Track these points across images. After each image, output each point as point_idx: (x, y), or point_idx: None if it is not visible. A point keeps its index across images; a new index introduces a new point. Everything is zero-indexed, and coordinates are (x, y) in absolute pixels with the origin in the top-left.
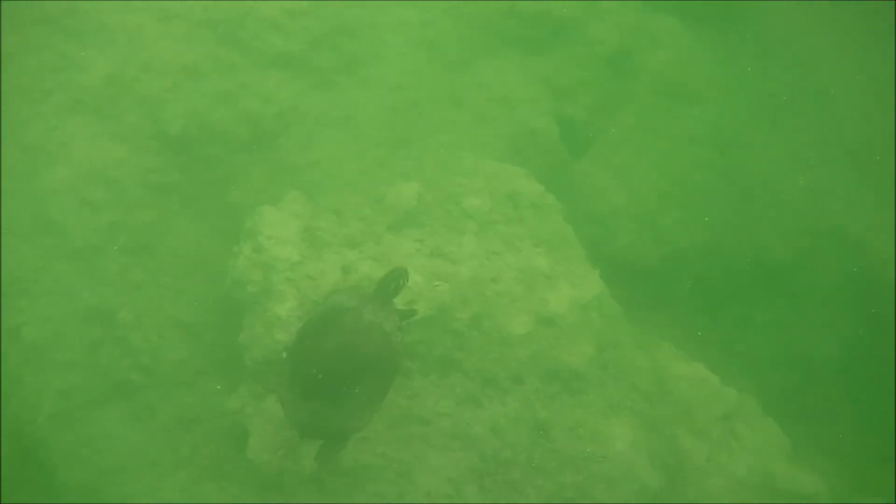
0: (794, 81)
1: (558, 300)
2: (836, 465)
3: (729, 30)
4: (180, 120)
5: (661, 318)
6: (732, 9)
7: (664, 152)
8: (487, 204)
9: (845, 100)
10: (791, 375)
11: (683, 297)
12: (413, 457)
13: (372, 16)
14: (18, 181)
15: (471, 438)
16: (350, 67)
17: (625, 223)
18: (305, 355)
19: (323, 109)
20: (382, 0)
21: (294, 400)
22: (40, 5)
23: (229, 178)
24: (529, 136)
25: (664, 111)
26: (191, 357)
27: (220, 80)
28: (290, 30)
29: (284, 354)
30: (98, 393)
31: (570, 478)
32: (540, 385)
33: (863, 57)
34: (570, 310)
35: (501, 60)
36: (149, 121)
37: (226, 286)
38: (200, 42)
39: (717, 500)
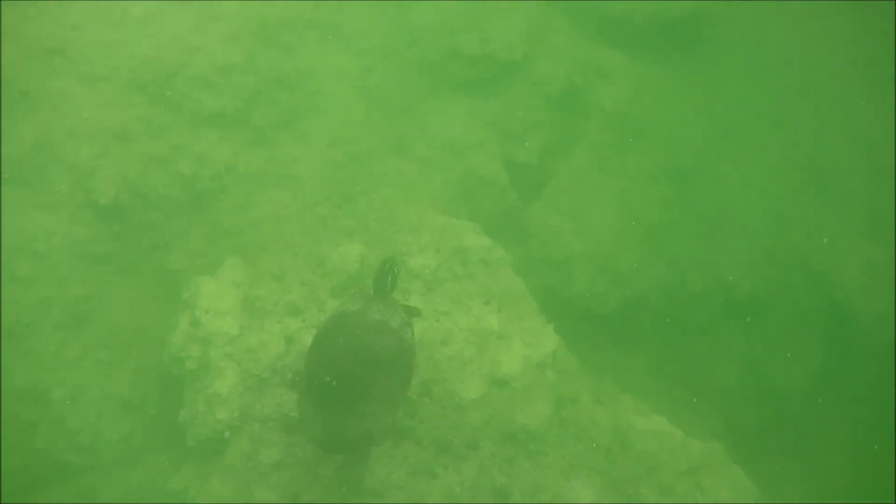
0: (750, 108)
1: (511, 361)
2: None
3: (679, 62)
4: (111, 186)
5: (622, 364)
6: (681, 40)
7: (620, 191)
8: (434, 262)
9: (805, 123)
10: (760, 411)
11: (646, 339)
12: None
13: (309, 66)
14: None
15: None
16: (288, 122)
17: (581, 268)
18: (317, 365)
19: (261, 168)
20: (320, 48)
21: (313, 412)
22: None
23: (166, 243)
24: (478, 184)
25: (618, 149)
26: (132, 435)
27: (152, 143)
28: (222, 87)
29: (290, 375)
30: (35, 477)
31: None
32: (496, 449)
33: (820, 78)
34: (523, 370)
35: (447, 105)
36: (79, 189)
37: (164, 360)
38: (129, 104)
39: None
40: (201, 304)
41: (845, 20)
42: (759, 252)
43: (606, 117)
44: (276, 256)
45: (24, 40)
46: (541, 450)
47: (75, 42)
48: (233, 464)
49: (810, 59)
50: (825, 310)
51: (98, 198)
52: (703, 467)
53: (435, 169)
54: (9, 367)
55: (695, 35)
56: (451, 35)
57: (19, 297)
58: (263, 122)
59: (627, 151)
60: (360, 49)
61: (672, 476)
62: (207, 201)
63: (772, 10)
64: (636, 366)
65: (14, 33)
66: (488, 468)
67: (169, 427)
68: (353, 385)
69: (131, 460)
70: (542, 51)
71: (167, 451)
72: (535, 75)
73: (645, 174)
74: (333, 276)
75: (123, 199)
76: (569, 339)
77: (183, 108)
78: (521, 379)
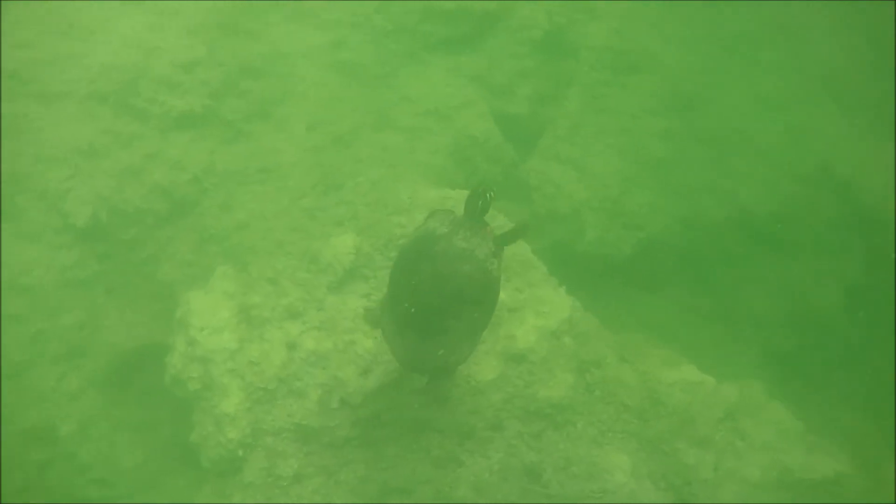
0: (755, 19)
1: (525, 334)
2: (856, 435)
3: None
4: (87, 207)
5: (647, 311)
6: None
7: (621, 130)
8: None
9: (815, 28)
10: (799, 335)
11: (669, 279)
12: None
13: (276, 49)
14: None
15: (457, 502)
16: (262, 111)
17: (590, 217)
18: (399, 290)
19: (240, 164)
20: (285, 28)
21: (394, 335)
22: None
23: (154, 257)
24: (471, 145)
25: (613, 87)
26: (147, 461)
27: (123, 156)
28: (188, 85)
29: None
30: None
31: None
32: (522, 427)
33: None
34: (539, 341)
35: (427, 68)
36: (54, 214)
37: (167, 383)
38: (93, 118)
39: None
40: (195, 322)
41: None
42: (777, 169)
43: (597, 54)
44: (267, 257)
45: None
46: (569, 420)
47: (26, 61)
48: (252, 481)
49: None
50: (853, 219)
51: (75, 220)
52: (740, 410)
53: (422, 137)
54: (11, 408)
55: None
56: None
57: (12, 335)
58: (236, 116)
59: (624, 87)
60: (328, 22)
61: (708, 425)
62: (189, 208)
63: None
64: (663, 309)
65: None
66: (516, 447)
67: (184, 449)
68: (434, 317)
69: (150, 486)
70: None
71: (185, 474)
72: (516, 21)
73: (645, 108)
74: (329, 271)
75: (101, 217)
76: (587, 296)
77: (150, 114)
78: (538, 351)
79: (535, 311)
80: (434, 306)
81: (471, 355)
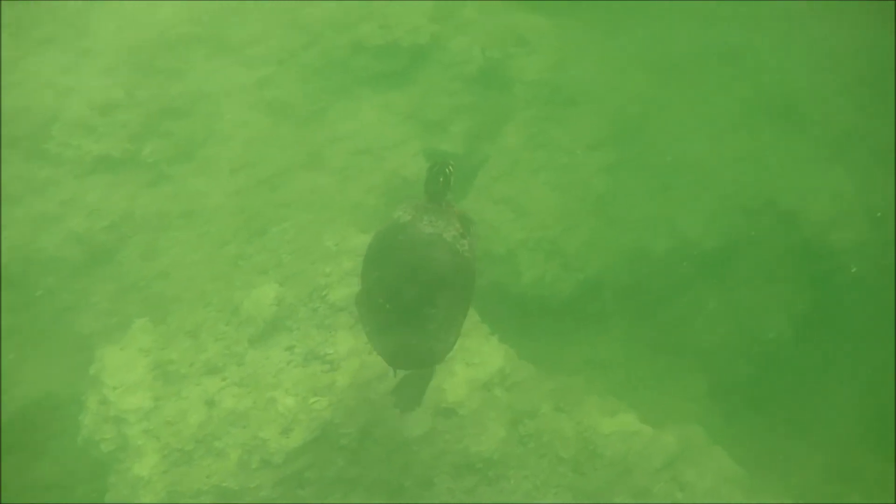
0: (696, 45)
1: (455, 387)
2: (804, 467)
3: (607, 9)
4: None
5: (586, 352)
6: None
7: (559, 168)
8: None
9: (758, 52)
10: (746, 365)
11: (611, 317)
12: None
13: (200, 87)
14: None
15: None
16: (185, 153)
17: (527, 258)
18: (370, 285)
19: (161, 209)
20: (208, 66)
21: (375, 334)
22: None
23: (70, 308)
24: (403, 186)
25: (551, 122)
26: None
27: (37, 203)
28: (105, 128)
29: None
30: None
31: None
32: (452, 484)
33: (776, 4)
34: (470, 394)
35: (358, 105)
36: None
37: (79, 444)
38: (4, 164)
39: None
40: (108, 380)
41: None
42: (721, 200)
43: (533, 89)
44: (187, 308)
45: None
46: (501, 474)
47: None
48: None
49: None
50: (799, 249)
51: None
52: (680, 459)
53: (354, 178)
54: None
55: None
56: (349, 28)
57: None
58: (157, 158)
59: (562, 122)
60: (253, 59)
61: (647, 476)
62: (107, 256)
63: None
64: (606, 346)
65: None
66: None
67: None
68: (410, 308)
69: None
70: (452, 28)
71: None
72: (449, 56)
73: (585, 142)
74: (250, 324)
75: (14, 268)
76: (523, 341)
77: (64, 159)
78: (468, 405)
79: (466, 363)
80: (408, 298)
81: (456, 343)
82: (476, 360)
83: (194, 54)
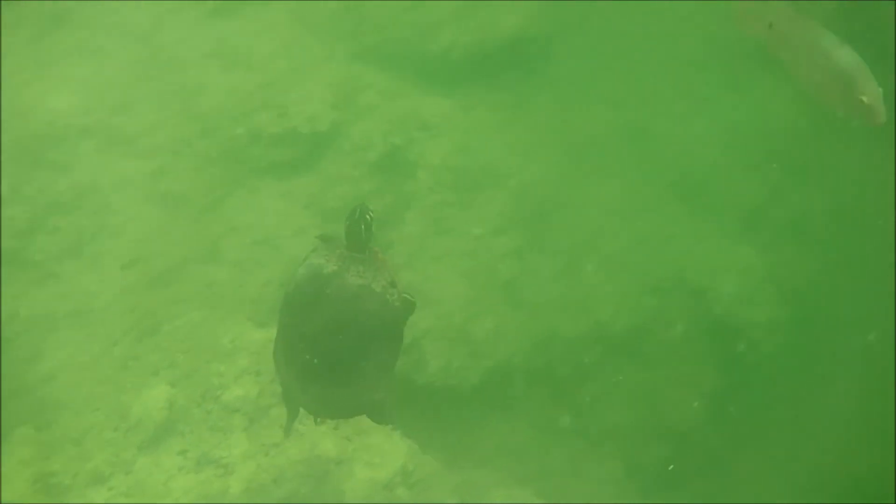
0: (603, 125)
1: (355, 488)
2: None
3: (512, 92)
4: None
5: (495, 440)
6: (511, 68)
7: (464, 254)
8: (255, 389)
9: (665, 129)
10: (659, 445)
11: (520, 402)
12: None
13: (89, 180)
14: None
15: None
16: (73, 249)
17: (432, 348)
18: (293, 339)
19: (48, 309)
20: (99, 158)
21: (297, 389)
22: None
23: None
24: None
25: (455, 207)
26: None
27: None
28: None
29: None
30: None
31: None
32: None
33: (677, 75)
34: (370, 496)
35: (257, 195)
36: None
37: None
38: None
39: None
40: None
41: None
42: (631, 280)
43: (437, 174)
44: (73, 414)
45: None
46: None
47: None
48: None
49: (662, 57)
50: (709, 327)
51: None
52: None
53: (251, 270)
54: None
55: (525, 58)
56: (246, 116)
57: None
58: (44, 256)
59: (467, 206)
60: (146, 149)
61: None
62: None
63: (613, 11)
64: (516, 433)
65: None
66: None
67: None
68: (339, 363)
69: None
70: (353, 114)
71: None
72: (349, 143)
73: (490, 226)
74: (139, 428)
75: None
76: (427, 435)
77: None
78: None
79: (366, 462)
80: (338, 353)
81: (388, 395)
82: (377, 459)
83: (84, 146)
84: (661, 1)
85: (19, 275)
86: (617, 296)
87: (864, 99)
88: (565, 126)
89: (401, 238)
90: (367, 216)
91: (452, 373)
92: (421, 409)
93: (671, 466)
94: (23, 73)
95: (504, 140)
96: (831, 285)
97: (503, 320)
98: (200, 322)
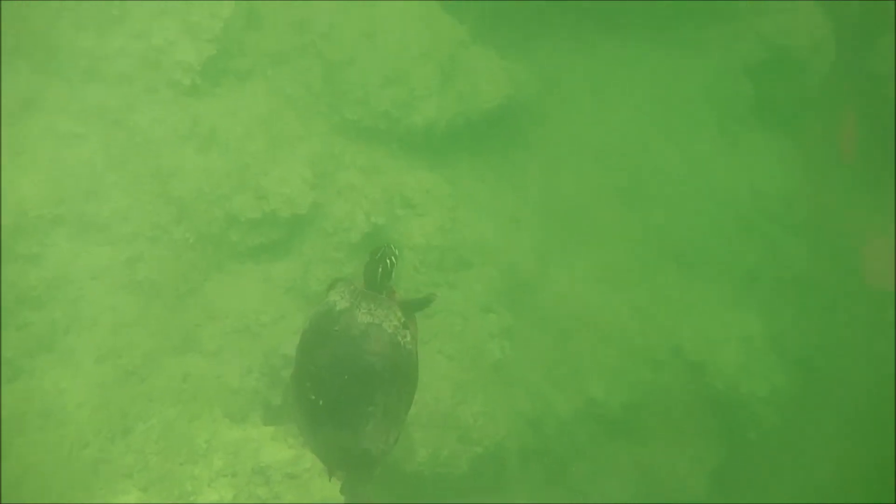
0: (592, 193)
1: None
2: None
3: (500, 163)
4: None
5: None
6: (498, 138)
7: (452, 335)
8: (231, 492)
9: (655, 195)
10: None
11: (513, 483)
12: None
13: (62, 272)
14: None
15: None
16: (45, 344)
17: (420, 435)
18: (302, 378)
19: (17, 408)
20: (72, 247)
21: (307, 431)
22: None
23: None
24: (285, 365)
25: (442, 286)
26: None
27: None
28: None
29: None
30: None
31: None
32: None
33: (665, 138)
34: None
35: (235, 280)
36: None
37: None
38: None
39: None
40: None
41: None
42: (626, 353)
43: (421, 254)
44: None
45: None
46: None
47: None
48: None
49: (653, 116)
50: (709, 400)
51: None
52: None
53: (229, 360)
54: None
55: (512, 124)
56: (223, 199)
57: None
58: (14, 353)
59: (453, 286)
60: (121, 237)
61: None
62: None
63: (600, 71)
64: None
65: None
66: None
67: None
68: (345, 406)
69: None
70: (334, 194)
71: None
72: (331, 224)
73: (478, 305)
74: None
75: None
76: None
77: None
78: None
79: None
80: (343, 394)
81: (396, 443)
82: None
83: (56, 236)
84: (649, 58)
85: None
86: (612, 370)
87: None
88: (555, 192)
89: None
90: (389, 259)
91: (442, 461)
92: (410, 499)
93: None
94: None
95: (492, 212)
96: (835, 346)
97: (493, 402)
98: (175, 419)
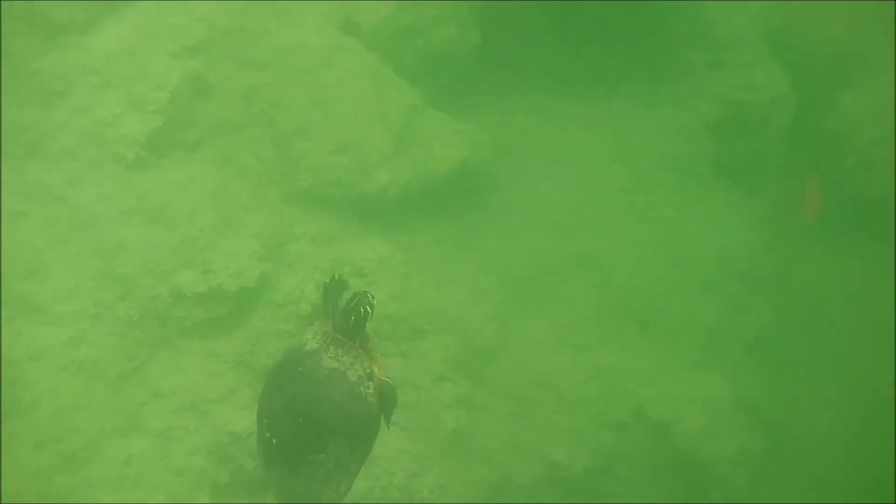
0: (550, 255)
1: None
2: None
3: (456, 228)
4: None
5: None
6: (453, 202)
7: (405, 406)
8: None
9: (614, 254)
10: None
11: None
12: None
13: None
14: None
15: None
16: None
17: None
18: (262, 413)
19: None
20: (11, 328)
21: (263, 467)
22: None
23: None
24: (233, 442)
25: (394, 358)
26: None
27: None
28: None
29: None
30: None
31: None
32: None
33: (624, 195)
34: None
35: (182, 357)
36: None
37: None
38: None
39: None
40: None
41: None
42: (588, 417)
43: (373, 325)
44: None
45: None
46: None
47: None
48: None
49: (611, 178)
50: (673, 463)
51: None
52: None
53: (175, 440)
54: None
55: (467, 189)
56: (169, 275)
57: None
58: None
59: (407, 356)
60: (62, 316)
61: None
62: None
63: (557, 133)
64: None
65: None
66: None
67: None
68: (296, 448)
69: None
70: (283, 266)
71: None
72: (280, 296)
73: (433, 375)
74: None
75: None
76: None
77: None
78: None
79: None
80: (296, 438)
81: (346, 494)
82: None
83: None
84: (605, 117)
85: None
86: (574, 434)
87: None
88: (512, 257)
89: None
90: (363, 308)
91: None
92: None
93: None
94: None
95: (447, 278)
96: (801, 404)
97: (450, 473)
98: None
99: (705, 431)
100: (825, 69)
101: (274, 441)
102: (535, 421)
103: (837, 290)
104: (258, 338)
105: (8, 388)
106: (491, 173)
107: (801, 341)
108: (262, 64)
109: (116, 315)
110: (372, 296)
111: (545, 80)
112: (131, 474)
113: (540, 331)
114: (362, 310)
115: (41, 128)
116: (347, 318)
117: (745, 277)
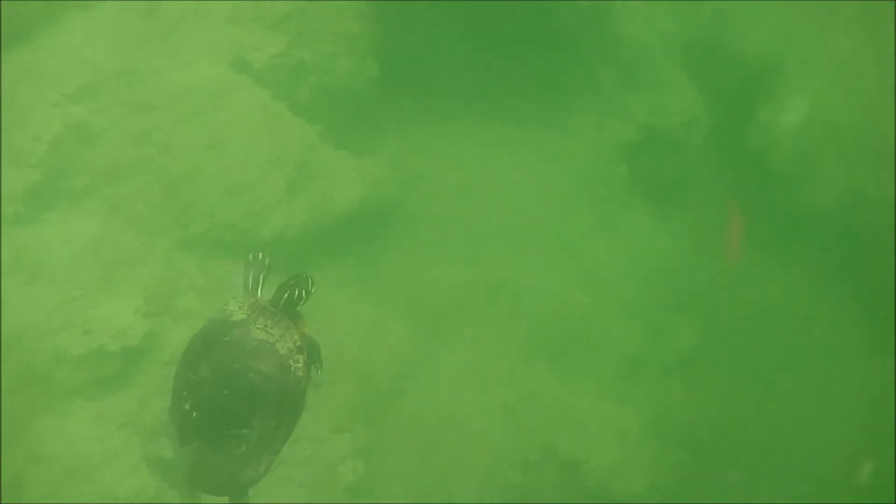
0: (460, 288)
1: None
2: None
3: (362, 261)
4: None
5: None
6: (357, 236)
7: (300, 461)
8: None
9: (532, 288)
10: None
11: None
12: None
13: None
14: None
15: None
16: None
17: None
18: (181, 387)
19: None
20: None
21: (176, 445)
22: None
23: None
24: None
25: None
26: None
27: None
28: None
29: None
30: None
31: None
32: None
33: (543, 229)
34: None
35: (64, 419)
36: None
37: None
38: None
39: None
40: None
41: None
42: (496, 456)
43: None
44: None
45: None
46: None
47: None
48: None
49: (523, 203)
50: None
51: None
52: None
53: None
54: None
55: (370, 226)
56: (48, 336)
57: None
58: None
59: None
60: None
61: None
62: None
63: (464, 161)
64: None
65: None
66: None
67: None
68: (219, 422)
69: None
70: (171, 321)
71: None
72: (168, 353)
73: (329, 428)
74: None
75: None
76: None
77: None
78: None
79: None
80: (220, 410)
81: (265, 474)
82: None
83: None
84: (515, 143)
85: None
86: (481, 475)
87: None
88: (419, 292)
89: None
90: (299, 290)
91: None
92: None
93: None
94: None
95: (348, 320)
96: (721, 431)
97: None
98: None
99: (616, 467)
100: (742, 85)
101: (194, 414)
102: (440, 463)
103: (764, 307)
104: (145, 397)
105: None
106: (396, 209)
107: (727, 360)
108: (152, 106)
109: None
110: (312, 282)
111: (453, 105)
112: None
113: (447, 367)
114: (299, 291)
115: None
116: (282, 294)
117: (666, 300)
